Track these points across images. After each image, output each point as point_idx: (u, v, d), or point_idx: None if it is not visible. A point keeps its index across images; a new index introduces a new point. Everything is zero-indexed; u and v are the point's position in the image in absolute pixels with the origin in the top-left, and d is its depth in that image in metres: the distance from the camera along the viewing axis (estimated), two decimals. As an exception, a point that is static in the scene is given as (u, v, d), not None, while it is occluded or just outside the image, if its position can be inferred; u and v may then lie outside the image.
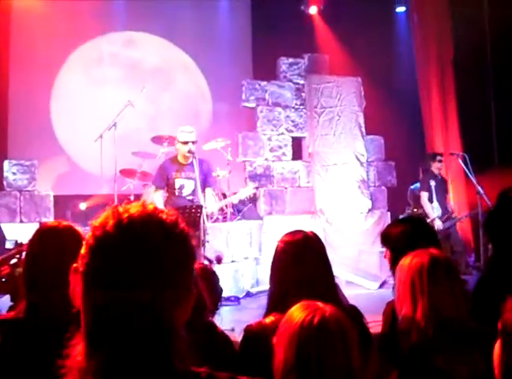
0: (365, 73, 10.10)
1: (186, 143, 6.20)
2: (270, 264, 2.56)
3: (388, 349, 2.50)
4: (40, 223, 2.42)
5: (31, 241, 2.24)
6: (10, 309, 2.77)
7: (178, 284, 1.12)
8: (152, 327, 1.09)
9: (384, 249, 3.07)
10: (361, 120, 9.97)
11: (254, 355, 2.25)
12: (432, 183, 8.33)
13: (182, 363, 1.11)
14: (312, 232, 2.59)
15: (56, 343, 2.00)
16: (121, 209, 1.15)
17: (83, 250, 1.14)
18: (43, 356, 2.00)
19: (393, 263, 2.81)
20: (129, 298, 1.08)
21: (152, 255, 1.09)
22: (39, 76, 9.85)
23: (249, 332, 2.39)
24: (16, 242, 2.91)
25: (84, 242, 1.15)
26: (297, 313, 1.80)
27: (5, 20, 9.74)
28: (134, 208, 1.15)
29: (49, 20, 9.84)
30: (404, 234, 2.88)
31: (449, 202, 8.72)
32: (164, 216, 1.16)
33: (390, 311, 2.66)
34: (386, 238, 2.96)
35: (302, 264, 2.42)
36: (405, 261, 2.34)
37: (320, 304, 1.83)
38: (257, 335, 2.29)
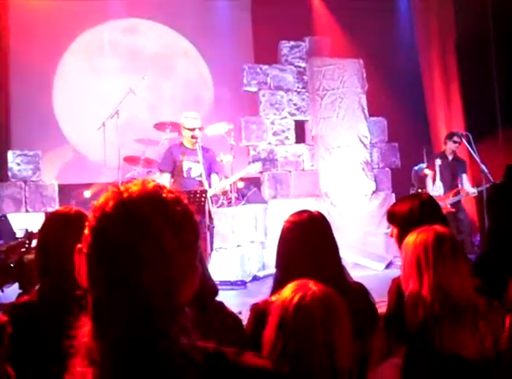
0: (367, 54, 10.04)
1: (192, 129, 6.22)
2: (276, 245, 2.57)
3: (395, 325, 2.52)
4: (49, 212, 2.47)
5: (43, 227, 2.29)
6: (19, 296, 2.78)
7: (181, 262, 1.13)
8: (156, 305, 1.09)
9: (389, 230, 3.07)
10: (364, 102, 9.93)
11: (260, 332, 2.27)
12: (438, 162, 8.22)
13: (189, 340, 1.12)
14: (318, 212, 2.61)
15: (68, 328, 2.03)
16: (121, 188, 1.15)
17: (86, 231, 1.14)
18: (55, 340, 2.03)
19: (401, 241, 2.82)
20: (132, 277, 1.09)
21: (152, 233, 1.10)
22: (41, 66, 9.83)
23: (255, 309, 2.42)
24: (27, 230, 2.93)
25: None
26: (286, 291, 1.87)
27: (5, 9, 9.72)
28: (135, 187, 1.15)
29: (49, 9, 9.80)
30: (410, 212, 2.87)
31: (464, 183, 8.45)
32: (165, 194, 1.16)
33: (396, 288, 2.68)
34: (393, 215, 2.95)
35: (308, 243, 2.43)
36: (411, 238, 2.36)
37: (311, 284, 1.86)
38: (263, 313, 2.31)
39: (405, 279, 2.35)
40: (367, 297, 2.58)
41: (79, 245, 1.17)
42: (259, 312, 2.36)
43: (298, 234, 2.48)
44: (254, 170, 6.80)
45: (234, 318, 2.52)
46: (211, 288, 2.35)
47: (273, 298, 2.34)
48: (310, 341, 1.76)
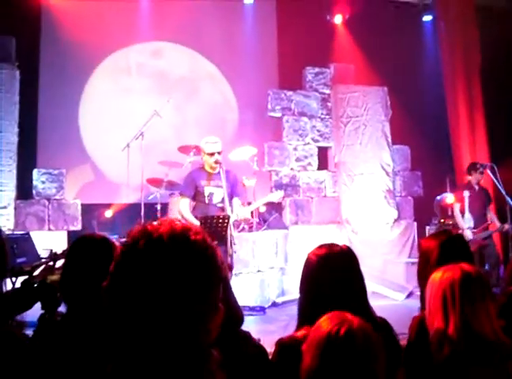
0: (391, 82, 10.07)
1: (212, 154, 6.20)
2: (301, 275, 2.55)
3: (417, 363, 2.48)
4: (79, 237, 2.52)
5: (70, 251, 2.35)
6: (41, 316, 2.82)
7: (204, 301, 1.13)
8: (180, 346, 1.09)
9: (410, 259, 3.06)
10: (387, 130, 9.93)
11: (286, 368, 2.24)
12: (466, 194, 8.13)
13: None
14: (346, 246, 2.58)
15: (88, 348, 2.05)
16: (151, 228, 1.16)
17: (112, 266, 1.16)
18: (77, 360, 2.05)
19: (421, 274, 2.80)
20: (155, 316, 1.09)
21: (179, 274, 1.10)
22: (68, 86, 9.98)
23: (281, 345, 2.39)
24: (51, 251, 2.98)
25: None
26: (325, 323, 1.85)
27: (35, 30, 9.90)
28: (164, 227, 1.16)
29: (78, 31, 9.96)
30: (433, 248, 2.85)
31: (489, 213, 8.38)
32: (193, 236, 1.16)
33: (417, 325, 2.64)
34: (419, 248, 2.94)
35: (337, 278, 2.41)
36: (437, 275, 2.34)
37: (349, 315, 1.85)
38: (289, 349, 2.29)
39: (430, 316, 2.33)
40: (391, 333, 2.55)
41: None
42: (285, 347, 2.34)
43: (327, 268, 2.45)
44: (275, 198, 6.77)
45: (259, 349, 2.50)
46: (237, 317, 2.35)
47: (299, 334, 2.32)
48: (356, 373, 1.74)
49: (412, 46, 10.75)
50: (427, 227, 9.37)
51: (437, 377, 2.26)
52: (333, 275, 2.43)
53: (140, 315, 1.09)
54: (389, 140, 9.90)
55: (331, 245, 2.55)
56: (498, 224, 8.13)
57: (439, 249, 2.81)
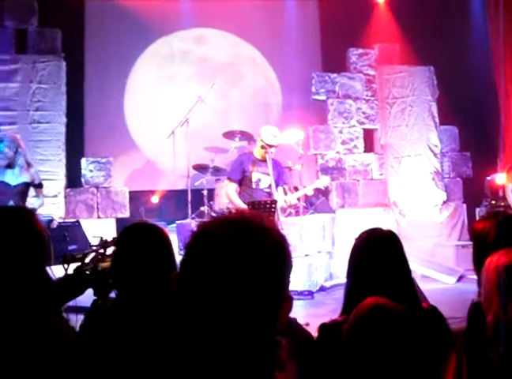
0: (437, 61, 9.83)
1: (269, 146, 6.23)
2: (348, 259, 2.55)
3: (476, 350, 2.43)
4: (128, 225, 2.56)
5: (120, 238, 2.40)
6: (94, 302, 2.88)
7: (278, 290, 1.11)
8: (253, 334, 1.08)
9: (461, 243, 3.00)
10: (434, 110, 9.74)
11: (328, 350, 2.26)
12: None
13: (282, 373, 1.10)
14: (390, 230, 2.57)
15: (137, 332, 2.08)
16: (224, 216, 1.16)
17: (186, 253, 1.14)
18: (129, 345, 2.08)
19: (476, 258, 2.73)
20: (231, 303, 1.07)
21: (254, 261, 1.09)
22: (113, 75, 10.09)
23: (324, 329, 2.41)
24: (101, 238, 3.03)
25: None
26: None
27: (80, 21, 10.02)
28: (236, 215, 1.16)
29: (121, 20, 10.05)
30: (486, 230, 2.77)
31: None
32: (266, 224, 1.15)
33: (473, 310, 2.58)
34: (471, 231, 2.87)
35: (381, 263, 2.40)
36: (492, 260, 2.28)
37: (382, 300, 1.83)
38: (331, 331, 2.32)
39: (486, 303, 2.28)
40: (441, 319, 2.51)
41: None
42: (328, 332, 2.35)
43: (372, 252, 2.44)
44: (322, 184, 6.73)
45: (306, 335, 2.50)
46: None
47: (339, 318, 2.33)
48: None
49: (459, 24, 10.44)
50: (477, 209, 9.18)
51: (494, 363, 2.21)
52: (376, 260, 2.43)
53: (214, 303, 1.07)
54: (437, 120, 9.71)
55: (375, 230, 2.56)
56: None
57: (496, 230, 2.72)
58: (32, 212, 2.16)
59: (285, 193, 6.53)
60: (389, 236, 2.51)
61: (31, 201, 6.77)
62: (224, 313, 1.06)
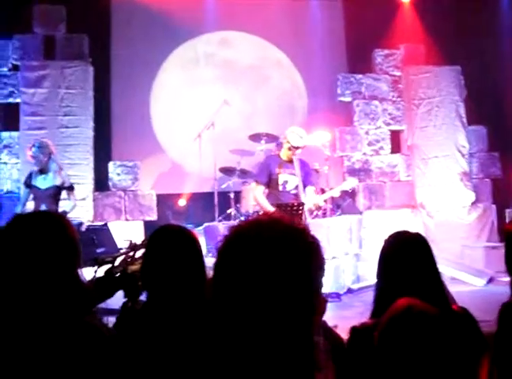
0: (464, 61, 9.73)
1: (296, 148, 6.24)
2: (377, 261, 2.54)
3: (505, 353, 2.40)
4: (157, 227, 2.59)
5: (151, 241, 2.43)
6: (124, 304, 2.91)
7: (313, 292, 1.11)
8: (294, 336, 1.08)
9: (490, 244, 2.95)
10: (462, 110, 9.64)
11: (360, 355, 2.25)
12: None
13: (321, 373, 1.10)
14: (419, 233, 2.56)
15: (168, 335, 2.10)
16: (253, 220, 1.17)
17: (220, 257, 1.15)
18: (159, 346, 2.10)
19: (508, 259, 2.69)
20: (264, 305, 1.08)
21: (285, 262, 1.09)
22: (139, 79, 10.15)
23: (355, 332, 2.39)
24: (131, 241, 3.06)
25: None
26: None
27: (106, 25, 10.11)
28: (265, 217, 1.17)
29: (146, 25, 10.12)
30: None
31: None
32: (295, 225, 1.16)
33: (505, 312, 2.55)
34: (504, 232, 2.83)
35: (409, 266, 2.39)
36: None
37: (414, 301, 1.82)
38: (361, 334, 2.31)
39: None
40: (472, 321, 2.48)
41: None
42: (359, 335, 2.34)
43: (402, 254, 2.43)
44: (349, 186, 6.69)
45: (337, 337, 2.49)
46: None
47: (369, 321, 2.32)
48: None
49: (485, 21, 10.28)
50: (507, 210, 9.07)
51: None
52: (406, 263, 2.41)
53: (250, 305, 1.07)
54: (464, 120, 9.61)
55: (403, 232, 2.54)
56: None
57: None
58: (64, 216, 2.20)
59: (315, 194, 6.51)
60: (417, 238, 2.50)
61: (63, 204, 6.89)
62: (261, 315, 1.06)
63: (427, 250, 2.49)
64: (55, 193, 6.73)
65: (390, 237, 2.54)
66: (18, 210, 6.84)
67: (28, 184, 6.78)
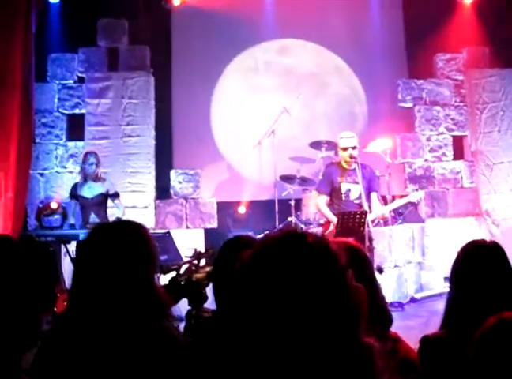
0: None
1: (346, 149, 6.20)
2: (451, 271, 2.48)
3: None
4: (227, 239, 2.64)
5: (222, 251, 2.48)
6: (188, 313, 2.95)
7: (336, 307, 1.10)
8: (338, 344, 1.08)
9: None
10: (529, 114, 9.36)
11: (432, 365, 2.23)
12: None
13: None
14: (495, 241, 2.50)
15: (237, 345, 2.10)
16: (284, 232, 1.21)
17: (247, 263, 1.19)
18: (225, 354, 2.11)
19: None
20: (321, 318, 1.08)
21: (305, 280, 1.11)
22: (199, 88, 10.27)
23: (425, 342, 2.34)
24: (195, 250, 3.11)
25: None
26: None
27: (166, 36, 10.30)
28: (299, 233, 1.20)
29: (205, 34, 10.24)
30: None
31: None
32: (313, 243, 1.16)
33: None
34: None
35: (488, 274, 2.33)
36: None
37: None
38: (433, 346, 2.28)
39: None
40: None
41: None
42: (429, 345, 2.30)
43: (475, 263, 2.38)
44: (415, 198, 6.55)
45: (409, 349, 2.46)
46: (388, 316, 2.32)
47: (440, 332, 2.28)
48: None
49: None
50: None
51: None
52: (482, 272, 2.35)
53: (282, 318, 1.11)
54: (532, 125, 9.33)
55: (480, 241, 2.50)
56: None
57: None
58: (142, 224, 2.27)
59: (383, 203, 6.43)
60: (495, 247, 2.45)
61: (112, 212, 7.08)
62: (293, 333, 1.09)
63: (505, 260, 2.43)
64: (102, 200, 7.00)
65: (467, 245, 2.49)
66: (71, 221, 7.13)
67: (75, 195, 7.03)
